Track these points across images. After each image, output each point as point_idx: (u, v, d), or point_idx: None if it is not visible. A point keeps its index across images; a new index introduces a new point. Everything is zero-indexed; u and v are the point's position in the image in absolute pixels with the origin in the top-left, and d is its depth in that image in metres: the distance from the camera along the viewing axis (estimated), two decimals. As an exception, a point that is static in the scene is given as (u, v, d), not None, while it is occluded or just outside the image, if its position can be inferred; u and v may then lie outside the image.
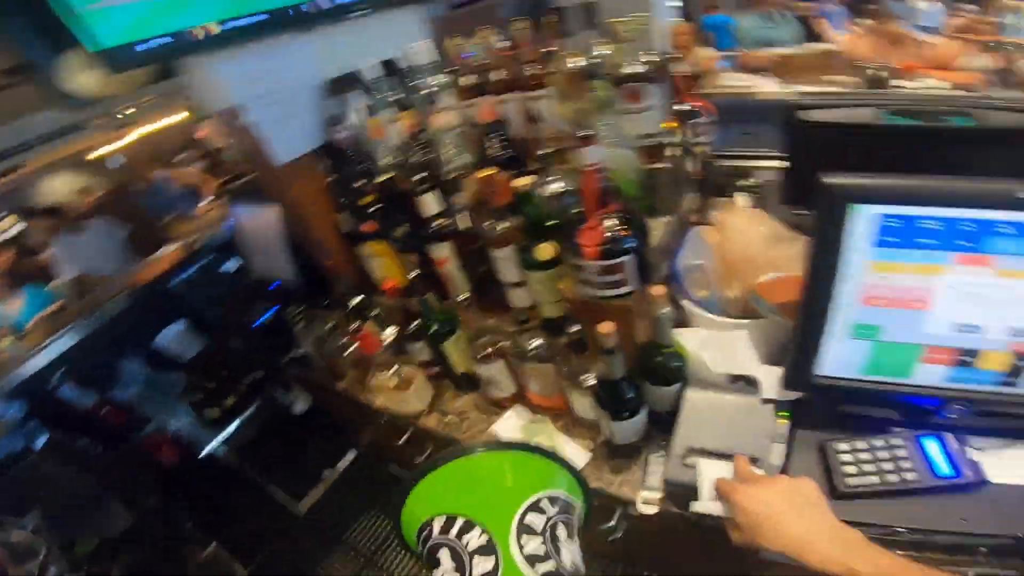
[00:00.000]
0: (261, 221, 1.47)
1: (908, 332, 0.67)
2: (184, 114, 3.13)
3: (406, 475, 0.45)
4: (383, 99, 1.07)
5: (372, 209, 1.12)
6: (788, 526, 0.58)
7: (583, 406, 0.96)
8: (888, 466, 0.70)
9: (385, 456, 2.01)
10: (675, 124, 0.95)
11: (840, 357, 0.72)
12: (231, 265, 2.06)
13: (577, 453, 0.98)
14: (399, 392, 1.17)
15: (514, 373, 1.07)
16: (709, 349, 0.89)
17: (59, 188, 2.42)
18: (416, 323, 1.13)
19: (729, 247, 0.93)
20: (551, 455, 0.46)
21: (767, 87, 2.18)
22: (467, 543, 0.38)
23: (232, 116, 1.11)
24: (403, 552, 1.94)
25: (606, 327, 0.70)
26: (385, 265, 1.23)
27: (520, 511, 0.40)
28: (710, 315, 0.92)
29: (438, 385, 1.21)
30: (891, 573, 0.50)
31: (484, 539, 0.38)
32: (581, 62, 0.88)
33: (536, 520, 0.40)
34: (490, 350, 1.04)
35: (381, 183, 1.07)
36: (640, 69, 0.85)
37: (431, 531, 0.41)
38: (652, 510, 0.85)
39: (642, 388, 0.85)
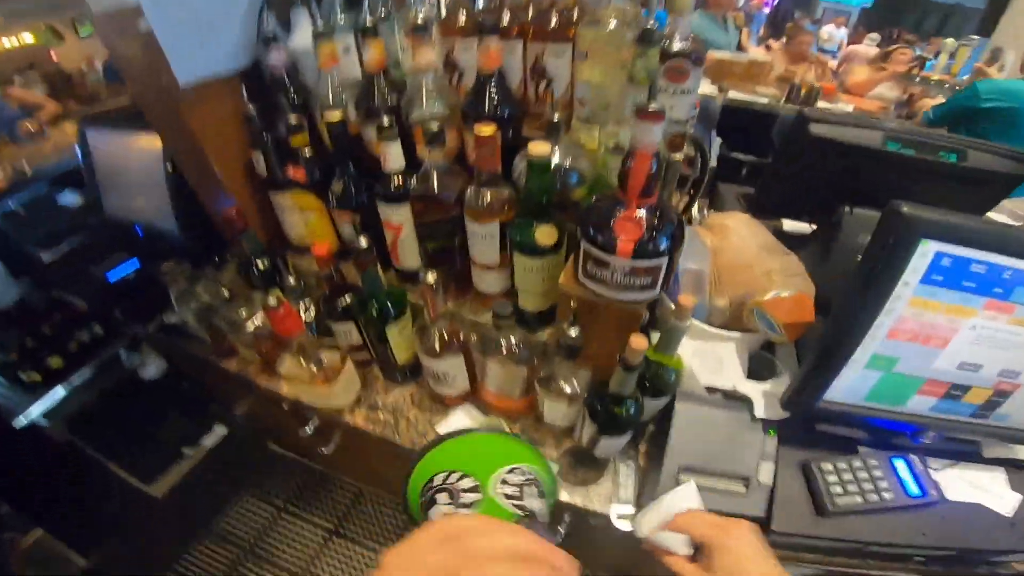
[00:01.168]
0: (129, 152, 1.10)
1: (919, 367, 0.68)
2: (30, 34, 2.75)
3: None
4: (344, 23, 0.81)
5: (304, 153, 0.86)
6: (766, 571, 0.55)
7: (557, 413, 0.85)
8: (868, 486, 0.73)
9: (265, 433, 1.75)
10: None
11: (849, 385, 0.71)
12: (72, 200, 1.62)
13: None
14: (320, 385, 0.95)
15: (472, 369, 0.92)
16: (697, 359, 0.84)
17: None
18: (350, 299, 0.92)
19: (727, 254, 0.88)
20: (533, 448, 0.57)
21: (705, 89, 2.24)
22: (460, 486, 0.50)
23: (125, 19, 0.79)
24: (291, 542, 1.77)
25: (639, 342, 0.59)
26: (311, 223, 0.98)
27: (503, 469, 0.51)
28: (702, 325, 0.86)
29: (365, 372, 1.00)
30: None
31: (471, 482, 0.50)
32: (631, 24, 0.74)
33: (513, 477, 0.51)
34: (452, 342, 0.88)
35: (328, 123, 0.82)
36: (687, 45, 0.74)
37: (433, 483, 0.51)
38: (628, 526, 0.79)
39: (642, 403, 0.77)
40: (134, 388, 1.62)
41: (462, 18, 0.80)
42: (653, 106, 0.55)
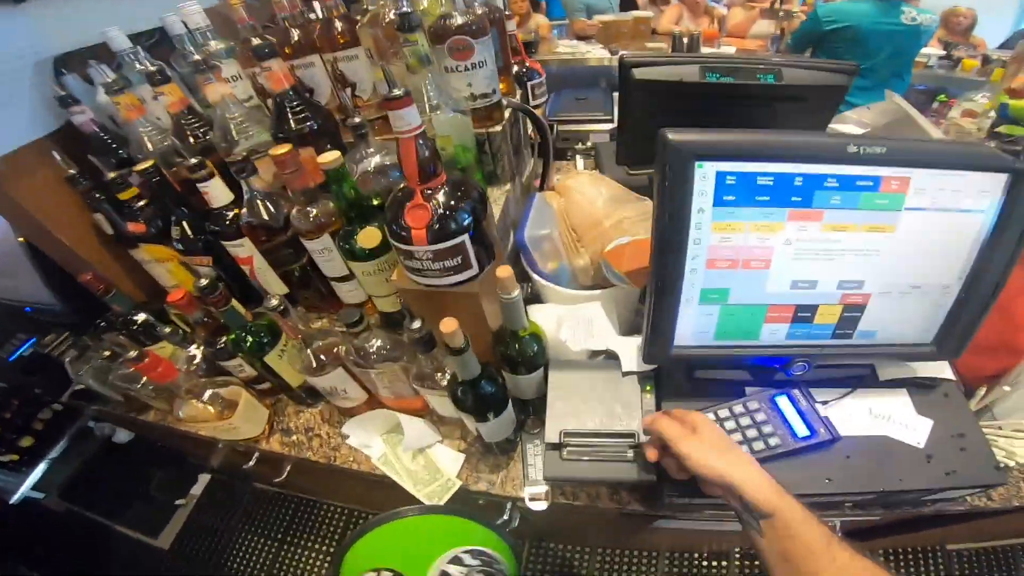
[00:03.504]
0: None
1: (752, 293, 0.66)
2: None
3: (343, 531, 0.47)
4: (139, 73, 0.80)
5: (137, 206, 0.85)
6: (740, 455, 0.59)
7: (443, 406, 0.85)
8: (752, 432, 0.69)
9: (244, 474, 1.79)
10: (508, 85, 0.85)
11: (693, 325, 0.69)
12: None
13: (448, 455, 0.88)
14: (222, 420, 0.95)
15: (358, 379, 0.92)
16: (566, 326, 0.83)
17: None
18: (225, 338, 0.91)
19: (574, 212, 0.88)
20: (480, 520, 0.53)
21: (595, 53, 2.24)
22: None
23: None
24: (300, 571, 1.81)
25: (448, 325, 0.59)
26: (172, 271, 0.97)
27: (439, 561, 0.46)
28: (562, 289, 0.86)
29: (276, 400, 1.01)
30: (806, 518, 0.53)
31: None
32: (392, 13, 0.72)
33: (455, 571, 0.46)
34: (324, 358, 0.88)
35: (143, 171, 0.81)
36: (464, 20, 0.72)
37: None
38: (542, 506, 0.79)
39: (503, 380, 0.76)
40: (113, 453, 1.67)
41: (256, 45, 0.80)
42: (395, 92, 0.54)
